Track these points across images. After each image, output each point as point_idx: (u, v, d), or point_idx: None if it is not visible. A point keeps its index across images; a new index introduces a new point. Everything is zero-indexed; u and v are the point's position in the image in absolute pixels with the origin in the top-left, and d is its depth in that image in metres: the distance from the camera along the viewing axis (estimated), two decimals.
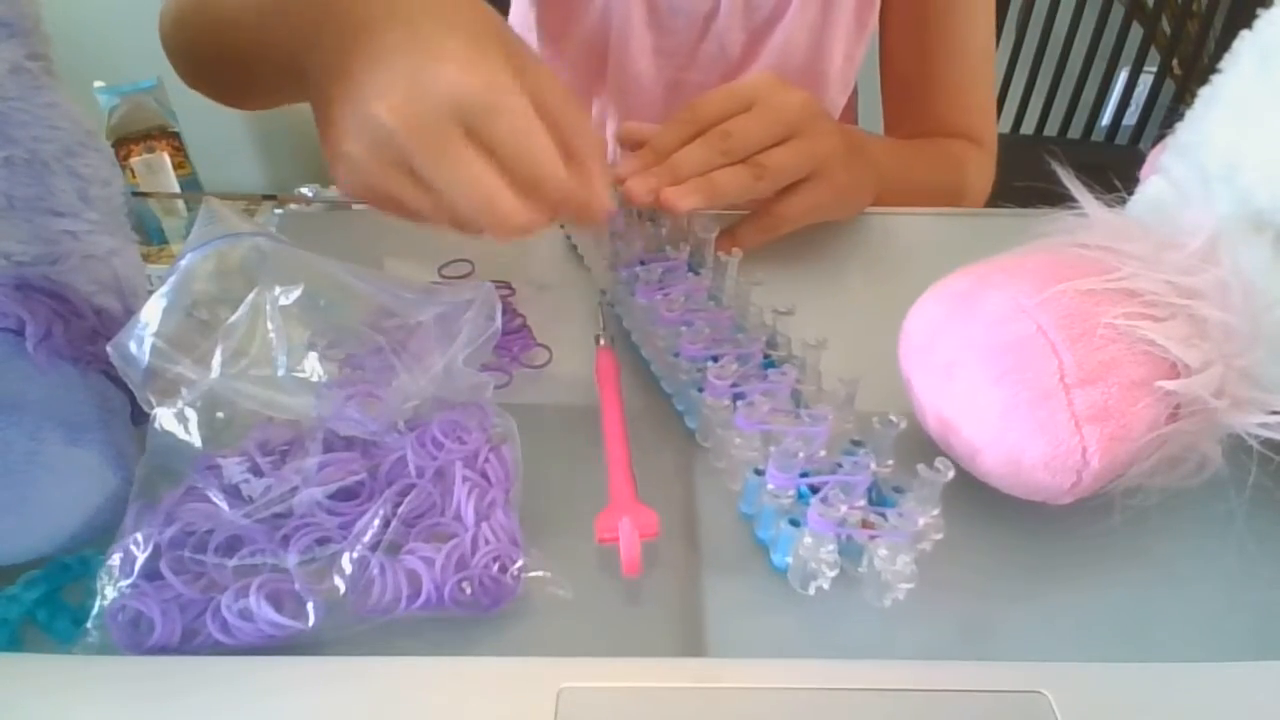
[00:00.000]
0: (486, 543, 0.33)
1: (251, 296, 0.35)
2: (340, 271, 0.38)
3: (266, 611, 0.30)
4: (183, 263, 0.35)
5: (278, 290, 0.35)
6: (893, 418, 0.35)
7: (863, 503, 0.34)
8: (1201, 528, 0.37)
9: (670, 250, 0.46)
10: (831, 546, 0.32)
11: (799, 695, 0.29)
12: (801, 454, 0.33)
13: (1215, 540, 0.37)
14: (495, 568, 0.33)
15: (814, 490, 0.34)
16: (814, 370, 0.39)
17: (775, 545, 0.35)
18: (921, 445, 0.39)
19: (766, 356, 0.41)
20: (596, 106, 0.78)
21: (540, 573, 0.33)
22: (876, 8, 0.72)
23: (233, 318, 0.34)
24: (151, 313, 0.34)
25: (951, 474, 0.32)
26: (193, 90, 0.57)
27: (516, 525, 0.34)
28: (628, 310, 0.46)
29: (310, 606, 0.31)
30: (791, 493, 0.34)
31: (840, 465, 0.35)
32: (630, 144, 0.51)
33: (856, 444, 0.36)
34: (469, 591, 0.32)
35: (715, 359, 0.39)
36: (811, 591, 0.34)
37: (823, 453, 0.35)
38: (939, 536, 0.34)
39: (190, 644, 0.31)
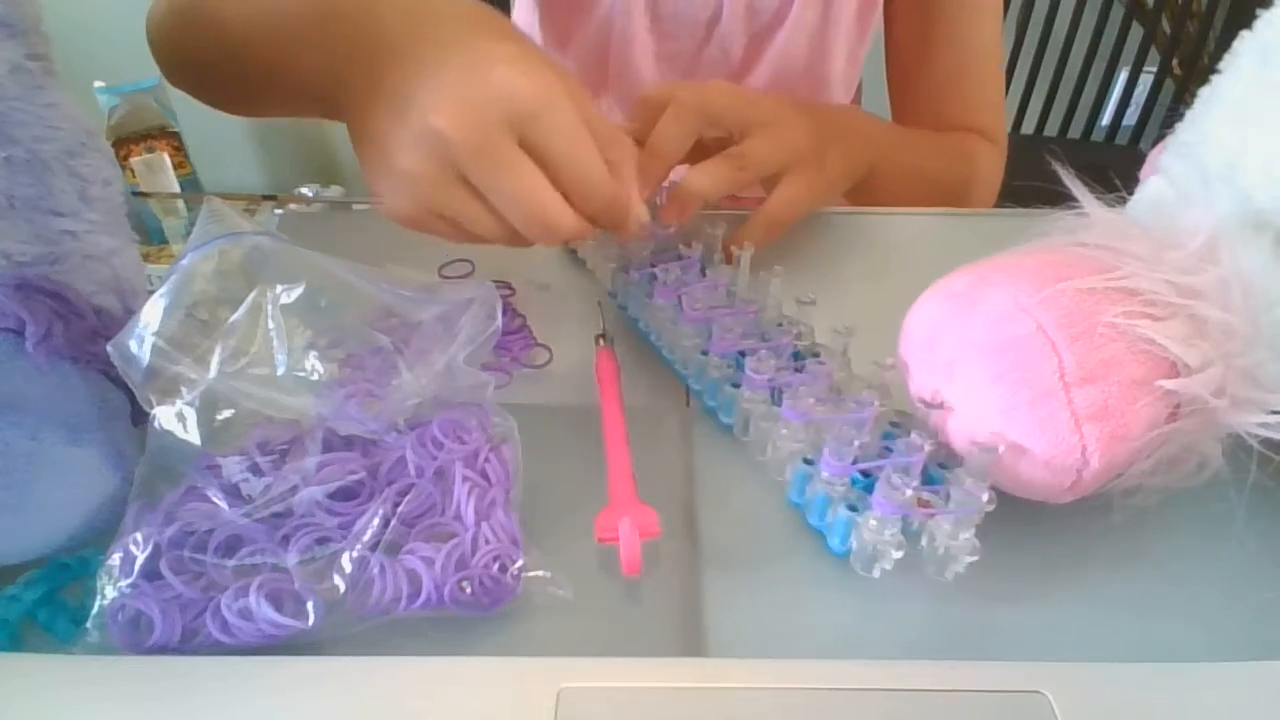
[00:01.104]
0: (486, 542, 0.33)
1: (252, 296, 0.35)
2: (341, 271, 0.38)
3: (266, 611, 0.30)
4: (183, 262, 0.35)
5: (279, 289, 0.35)
6: (933, 396, 0.36)
7: (916, 482, 0.34)
8: (1201, 528, 0.37)
9: (683, 249, 0.46)
10: (896, 528, 0.33)
11: (799, 695, 0.29)
12: (856, 441, 0.34)
13: (1215, 540, 0.37)
14: (495, 567, 0.33)
15: (865, 475, 0.35)
16: (844, 357, 0.40)
17: (833, 532, 0.36)
18: None
19: (794, 348, 0.41)
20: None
21: (540, 572, 0.33)
22: (879, 7, 0.72)
23: (233, 317, 0.34)
24: (152, 313, 0.34)
25: (1003, 447, 0.33)
26: (178, 89, 0.57)
27: (516, 525, 0.34)
28: (644, 312, 0.46)
29: (310, 606, 0.31)
30: (846, 479, 0.35)
31: (889, 448, 0.35)
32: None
33: (895, 425, 0.37)
34: (469, 591, 0.32)
35: (743, 354, 0.40)
36: (876, 574, 0.35)
37: (867, 437, 0.36)
38: (991, 508, 0.34)
39: (190, 644, 0.31)
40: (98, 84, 1.75)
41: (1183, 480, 0.35)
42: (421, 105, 0.35)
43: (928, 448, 0.34)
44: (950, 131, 0.71)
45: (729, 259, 0.46)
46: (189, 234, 0.37)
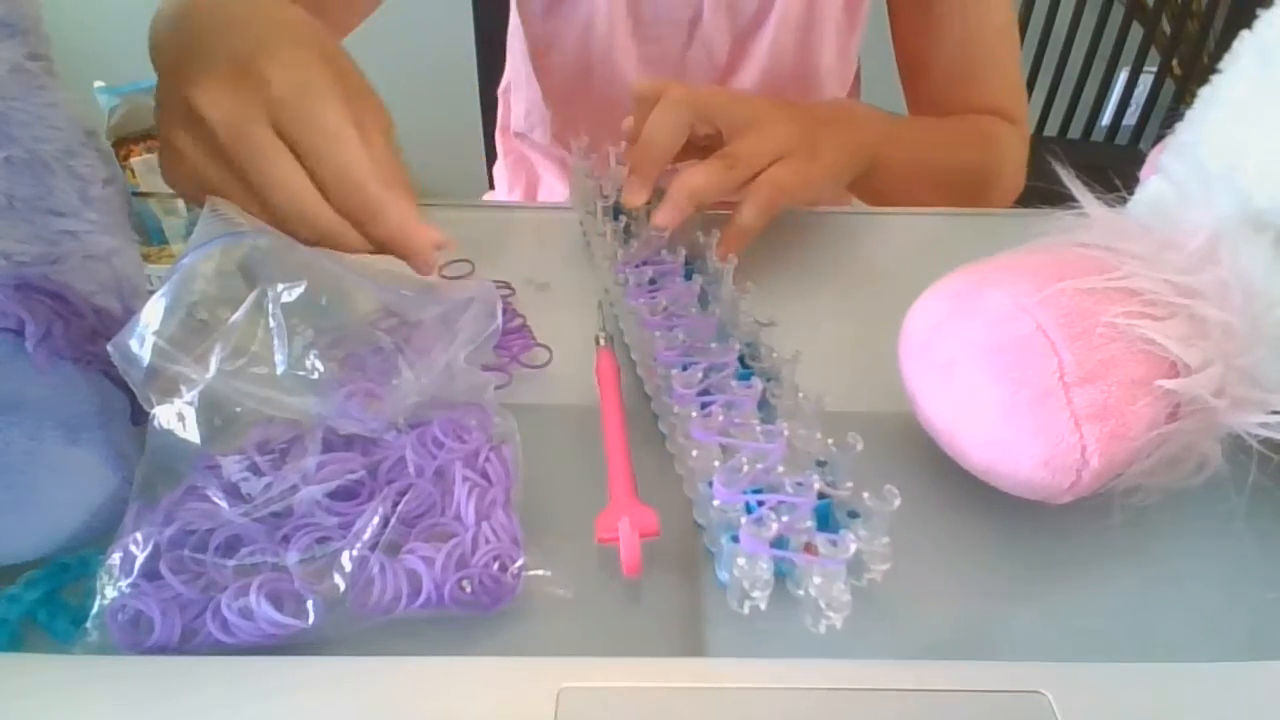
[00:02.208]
0: (487, 542, 0.33)
1: (253, 295, 0.35)
2: (342, 269, 0.38)
3: (266, 610, 0.30)
4: (184, 262, 0.35)
5: (279, 288, 0.35)
6: (850, 439, 0.34)
7: (810, 524, 0.33)
8: (1201, 528, 0.37)
9: (666, 254, 0.46)
10: (765, 565, 0.32)
11: (799, 695, 0.29)
12: (745, 469, 0.33)
13: (1215, 540, 0.37)
14: (495, 567, 0.33)
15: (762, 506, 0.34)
16: (790, 384, 0.38)
17: (718, 560, 0.35)
18: (922, 445, 0.39)
19: (748, 366, 0.40)
20: (585, 128, 0.78)
21: (540, 572, 0.33)
22: (865, 3, 0.72)
23: (234, 316, 0.34)
24: (152, 312, 0.34)
25: (898, 502, 0.32)
26: None
27: (517, 525, 0.34)
28: (622, 312, 0.46)
29: (310, 605, 0.31)
30: (739, 508, 0.34)
31: (800, 484, 0.34)
32: (632, 140, 0.52)
33: (821, 464, 0.36)
34: (469, 591, 0.32)
35: (685, 366, 0.39)
36: (745, 610, 0.33)
37: (781, 469, 0.34)
38: (885, 567, 0.33)
39: (190, 643, 0.31)
40: (98, 84, 1.74)
41: (1183, 480, 0.35)
42: (188, 78, 0.36)
43: (817, 487, 0.33)
44: (968, 115, 0.69)
45: (722, 257, 0.45)
46: (189, 234, 0.37)
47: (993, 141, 0.69)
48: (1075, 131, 1.59)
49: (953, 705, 0.28)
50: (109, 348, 0.33)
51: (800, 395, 0.37)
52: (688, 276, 0.45)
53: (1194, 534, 0.37)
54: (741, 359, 0.40)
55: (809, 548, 0.32)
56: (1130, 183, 0.43)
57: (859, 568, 0.33)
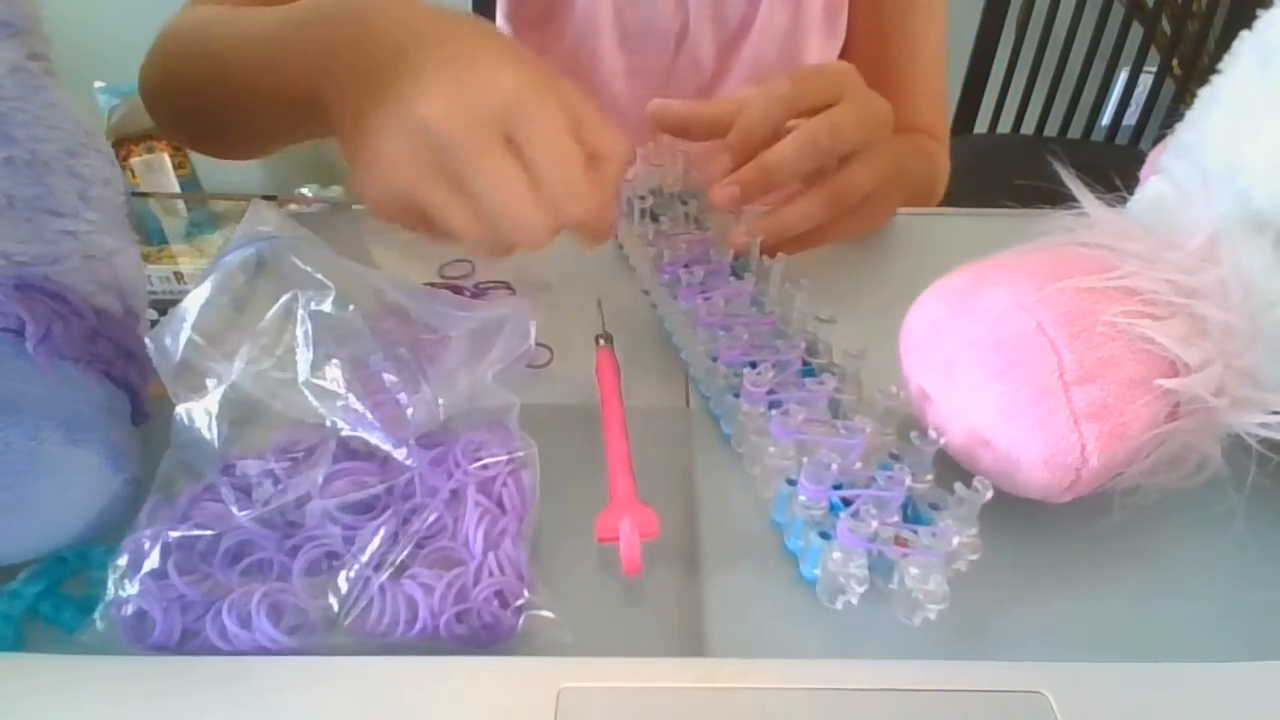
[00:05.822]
0: (490, 575, 0.32)
1: (285, 299, 0.35)
2: (377, 280, 0.38)
3: (264, 624, 0.30)
4: (224, 260, 0.35)
5: (310, 294, 0.35)
6: (931, 433, 0.35)
7: (896, 518, 0.33)
8: (1201, 527, 0.37)
9: (715, 253, 0.46)
10: (861, 561, 0.32)
11: (799, 695, 0.29)
12: (834, 466, 0.33)
13: (1215, 540, 0.37)
14: (496, 603, 0.32)
15: (846, 503, 0.34)
16: (855, 380, 0.39)
17: (804, 557, 0.35)
18: None
19: (807, 364, 0.40)
20: None
21: (544, 613, 0.32)
22: (845, 12, 0.72)
23: (265, 319, 0.34)
24: (190, 307, 0.34)
25: (990, 494, 0.32)
26: (178, 143, 0.57)
27: (524, 558, 0.33)
28: (669, 312, 0.46)
29: (308, 622, 0.31)
30: (823, 504, 0.34)
31: (875, 480, 0.34)
32: (662, 124, 0.52)
33: (894, 458, 0.36)
34: (465, 626, 0.31)
35: (753, 365, 0.39)
36: (839, 606, 0.33)
37: (859, 465, 0.35)
38: (975, 557, 0.33)
39: (189, 645, 0.31)
40: (98, 84, 1.75)
41: (1182, 480, 0.35)
42: (410, 95, 0.36)
43: (909, 482, 0.33)
44: (906, 133, 0.71)
45: (772, 254, 0.45)
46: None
47: (932, 158, 0.72)
48: (1075, 131, 1.59)
49: (953, 705, 0.28)
50: (146, 340, 0.33)
51: (878, 392, 0.37)
52: (735, 275, 0.45)
53: (1194, 534, 0.37)
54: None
55: (899, 541, 0.33)
56: (1130, 183, 0.43)
57: (947, 560, 0.33)
